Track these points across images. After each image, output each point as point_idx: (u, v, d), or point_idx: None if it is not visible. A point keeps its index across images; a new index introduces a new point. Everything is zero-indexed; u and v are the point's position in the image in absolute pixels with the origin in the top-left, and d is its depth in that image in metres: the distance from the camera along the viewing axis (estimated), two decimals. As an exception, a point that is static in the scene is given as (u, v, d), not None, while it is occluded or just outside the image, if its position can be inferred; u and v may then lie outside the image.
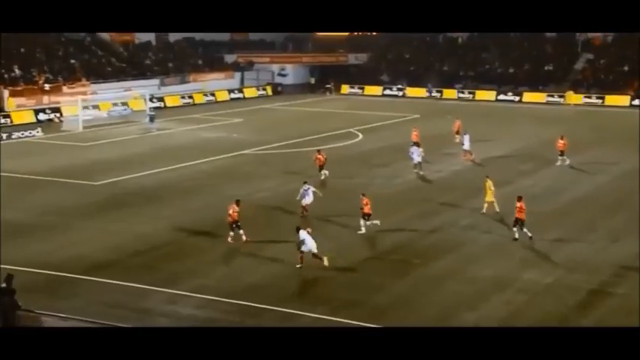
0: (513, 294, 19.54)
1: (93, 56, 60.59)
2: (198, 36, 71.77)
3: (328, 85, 67.53)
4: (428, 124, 45.59)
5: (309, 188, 26.21)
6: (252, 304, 18.57)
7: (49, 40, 59.17)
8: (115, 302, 18.75)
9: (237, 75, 68.38)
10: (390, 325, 16.83)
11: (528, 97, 62.53)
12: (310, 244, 20.89)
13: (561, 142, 35.54)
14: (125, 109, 50.70)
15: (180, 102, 59.40)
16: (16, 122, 47.52)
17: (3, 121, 47.27)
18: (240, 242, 23.10)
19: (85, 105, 49.34)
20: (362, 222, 24.29)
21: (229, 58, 70.45)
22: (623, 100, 59.45)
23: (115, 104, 52.44)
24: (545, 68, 66.49)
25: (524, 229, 23.37)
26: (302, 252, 20.92)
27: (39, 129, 44.69)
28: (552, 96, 61.75)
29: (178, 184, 31.60)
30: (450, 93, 65.21)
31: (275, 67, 72.13)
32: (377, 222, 24.47)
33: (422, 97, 64.67)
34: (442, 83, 66.84)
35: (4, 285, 16.52)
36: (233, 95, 64.10)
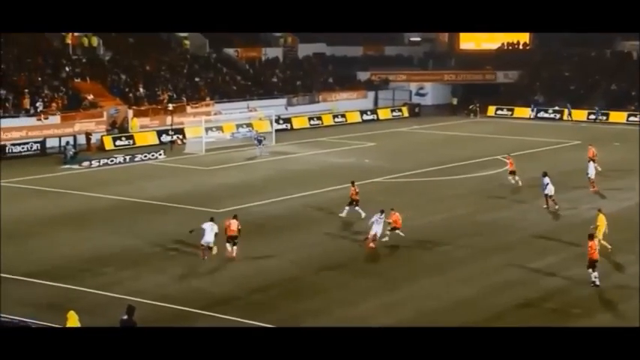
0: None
1: (218, 74, 63.04)
2: (329, 51, 73.05)
3: (472, 106, 66.71)
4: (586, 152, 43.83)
5: (381, 218, 27.02)
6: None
7: (174, 58, 62.25)
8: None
9: (371, 94, 68.93)
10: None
11: None
12: (208, 237, 25.22)
13: None
14: (249, 131, 52.23)
15: (307, 124, 60.45)
16: (139, 144, 50.13)
17: (126, 142, 50.07)
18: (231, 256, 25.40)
19: (209, 126, 51.36)
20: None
21: (362, 76, 71.13)
22: None
23: (239, 126, 54.27)
24: None
25: (595, 273, 22.63)
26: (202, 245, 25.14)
27: (162, 151, 46.91)
28: None
29: (305, 214, 32.16)
30: (619, 116, 62.64)
31: (413, 86, 72.14)
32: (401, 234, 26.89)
33: (584, 121, 62.54)
34: (609, 105, 64.33)
35: (125, 317, 17.39)
36: (365, 117, 64.58)
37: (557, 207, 32.31)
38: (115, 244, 27.64)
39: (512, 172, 36.63)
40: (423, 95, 72.24)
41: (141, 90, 55.88)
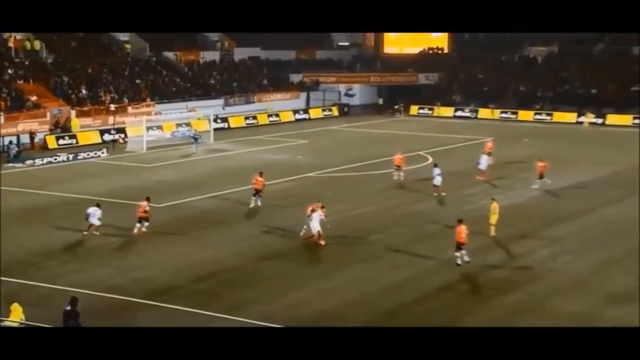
0: (597, 332, 18.89)
1: (158, 76, 62.12)
2: (263, 55, 72.83)
3: (397, 106, 67.41)
4: (502, 148, 44.83)
5: (317, 214, 26.16)
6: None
7: (115, 61, 61.05)
8: (176, 329, 18.96)
9: (303, 95, 68.97)
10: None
11: (613, 119, 60.97)
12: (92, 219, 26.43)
13: (541, 164, 35.04)
14: (189, 130, 51.60)
15: (244, 123, 60.16)
16: (81, 143, 49.04)
17: (69, 141, 48.87)
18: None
19: (150, 126, 50.56)
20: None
21: (295, 78, 71.14)
22: None
23: (178, 125, 53.58)
24: (632, 89, 64.74)
25: (459, 253, 23.21)
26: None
27: (104, 150, 45.98)
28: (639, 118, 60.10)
29: (240, 208, 31.92)
30: (527, 115, 64.19)
31: (342, 87, 72.52)
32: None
33: (496, 119, 63.90)
34: (518, 105, 65.95)
35: (68, 307, 16.94)
36: (298, 116, 64.58)
37: (444, 194, 33.29)
38: (58, 239, 26.97)
39: (398, 167, 36.84)
40: (351, 96, 72.66)
41: (83, 91, 54.69)
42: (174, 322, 19.32)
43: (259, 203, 31.46)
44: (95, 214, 27.04)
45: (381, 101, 71.11)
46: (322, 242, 25.91)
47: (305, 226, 26.43)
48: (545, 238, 27.20)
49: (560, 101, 65.44)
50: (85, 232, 27.03)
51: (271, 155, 46.10)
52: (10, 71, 53.04)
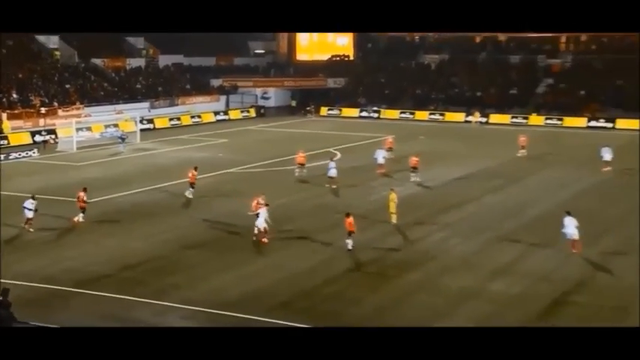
0: (482, 304, 19.58)
1: (87, 81, 60.29)
2: (186, 61, 71.79)
3: (308, 108, 67.63)
4: (401, 145, 45.68)
5: (263, 210, 24.96)
6: (239, 315, 18.43)
7: (45, 66, 58.82)
8: (106, 314, 18.52)
9: (223, 98, 68.33)
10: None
11: (495, 118, 63.11)
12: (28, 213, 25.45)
13: (414, 159, 35.79)
14: (116, 131, 50.32)
15: (168, 124, 59.11)
16: (13, 143, 47.03)
17: (1, 142, 46.77)
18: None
19: (79, 127, 48.98)
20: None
21: (215, 82, 70.39)
22: (581, 121, 60.29)
23: (107, 126, 52.15)
24: (510, 92, 67.21)
25: (349, 240, 23.68)
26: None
27: (35, 150, 44.25)
28: (516, 117, 62.40)
29: (166, 201, 31.41)
30: (422, 115, 65.62)
31: (258, 91, 72.24)
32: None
33: (396, 119, 65.07)
34: (415, 105, 67.36)
35: (0, 298, 16.25)
36: (219, 117, 63.96)
37: (329, 185, 33.68)
38: (-8, 234, 25.78)
39: (302, 165, 36.79)
40: (267, 98, 72.47)
41: (14, 95, 52.46)
42: (101, 309, 18.87)
43: (190, 196, 31.50)
44: (31, 206, 26.15)
45: (294, 103, 71.24)
46: (265, 240, 24.56)
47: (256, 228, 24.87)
48: (438, 223, 27.89)
49: (451, 102, 67.21)
50: (24, 226, 26.05)
51: (194, 153, 45.44)
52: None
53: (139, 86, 63.55)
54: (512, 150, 44.23)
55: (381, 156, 37.99)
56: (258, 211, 25.00)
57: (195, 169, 32.46)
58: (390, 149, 41.97)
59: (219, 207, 30.31)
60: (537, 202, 31.22)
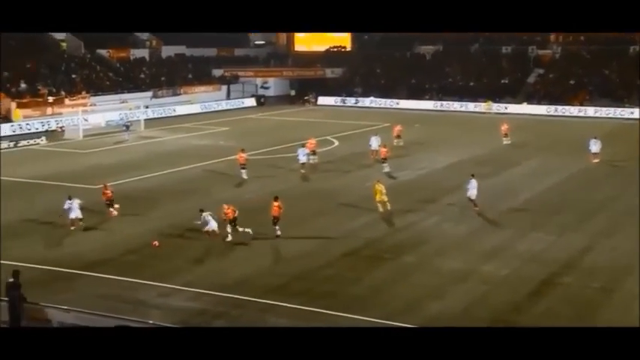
0: (474, 285, 19.61)
1: (92, 71, 60.11)
2: (188, 52, 71.50)
3: (307, 97, 67.43)
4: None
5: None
6: (238, 297, 18.45)
7: (52, 57, 58.58)
8: (110, 295, 18.53)
9: (224, 88, 68.13)
10: (362, 315, 16.85)
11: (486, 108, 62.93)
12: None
13: (384, 149, 35.14)
14: (121, 119, 50.06)
15: (171, 113, 58.98)
16: (22, 132, 46.97)
17: (10, 130, 46.70)
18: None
19: (85, 115, 48.89)
20: (229, 228, 22.83)
21: (217, 72, 70.18)
22: (571, 110, 60.19)
23: (112, 115, 51.94)
24: (502, 81, 67.02)
25: (276, 227, 23.34)
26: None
27: (43, 138, 44.16)
28: (506, 107, 62.26)
29: (171, 188, 31.35)
30: (417, 104, 65.45)
31: (258, 81, 71.96)
32: (249, 230, 23.01)
33: (391, 108, 64.91)
34: (410, 95, 67.16)
35: (11, 280, 16.29)
36: (220, 106, 63.82)
37: (303, 171, 33.59)
38: (4, 218, 25.68)
39: (313, 152, 36.37)
40: (266, 88, 72.20)
41: (22, 85, 52.31)
42: (105, 290, 18.88)
43: (245, 176, 31.97)
44: (74, 207, 24.16)
45: (293, 92, 71.06)
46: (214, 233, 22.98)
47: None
48: (431, 208, 27.86)
49: (445, 92, 67.05)
50: (73, 228, 24.14)
51: (197, 141, 45.36)
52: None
53: (142, 76, 63.35)
54: (496, 138, 44.25)
55: (375, 142, 37.83)
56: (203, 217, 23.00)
57: (243, 150, 32.87)
58: (398, 137, 41.90)
59: (220, 193, 30.25)
60: (525, 188, 31.20)
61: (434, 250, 22.55)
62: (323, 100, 68.30)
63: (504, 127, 43.84)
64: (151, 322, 15.33)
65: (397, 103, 65.94)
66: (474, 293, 18.98)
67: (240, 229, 23.09)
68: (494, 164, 36.87)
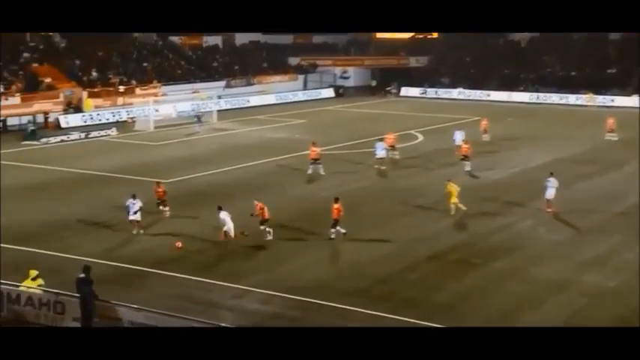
0: (574, 296, 19.03)
1: (164, 59, 61.83)
2: (263, 39, 72.41)
3: (389, 88, 67.16)
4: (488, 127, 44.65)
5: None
6: (314, 301, 18.60)
7: (124, 44, 60.69)
8: (181, 295, 19.04)
9: (301, 77, 68.70)
10: (448, 325, 16.63)
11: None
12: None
13: (465, 146, 34.25)
14: (193, 110, 51.29)
15: (245, 103, 60.00)
16: (92, 122, 48.97)
17: (81, 121, 48.81)
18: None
19: (157, 106, 50.44)
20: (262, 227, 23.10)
21: (293, 61, 70.78)
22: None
23: (184, 105, 53.32)
24: (608, 71, 64.59)
25: (338, 227, 23.12)
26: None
27: (114, 129, 45.86)
28: (612, 100, 60.01)
29: (245, 183, 31.91)
30: (510, 96, 64.06)
31: (337, 70, 72.16)
32: (270, 230, 23.17)
33: (481, 100, 63.77)
34: (502, 86, 65.75)
35: (82, 275, 16.97)
36: (296, 97, 64.39)
37: (383, 167, 33.76)
38: (72, 212, 26.92)
39: (392, 147, 36.28)
40: (346, 78, 72.34)
41: (94, 74, 54.48)
42: (178, 290, 19.42)
43: (322, 172, 32.30)
44: (135, 208, 23.86)
45: (374, 83, 70.89)
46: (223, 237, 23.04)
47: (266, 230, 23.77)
48: (525, 210, 27.21)
49: (542, 83, 65.32)
50: (134, 232, 23.97)
51: (271, 134, 45.99)
52: (25, 55, 52.83)
53: (215, 65, 64.70)
54: (599, 132, 42.70)
55: (459, 137, 37.21)
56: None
57: (315, 144, 33.16)
58: (485, 132, 41.46)
59: (294, 190, 30.59)
60: (633, 192, 29.96)
61: (528, 257, 22.04)
62: (406, 92, 67.90)
63: (610, 122, 42.38)
64: (222, 324, 15.66)
65: (488, 95, 64.86)
66: (575, 305, 18.43)
67: (262, 228, 23.27)
68: (597, 163, 35.64)
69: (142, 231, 24.14)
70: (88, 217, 26.37)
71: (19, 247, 22.62)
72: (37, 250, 22.36)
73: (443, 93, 66.92)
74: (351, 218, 25.52)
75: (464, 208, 26.17)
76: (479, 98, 64.52)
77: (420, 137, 43.96)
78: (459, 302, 18.62)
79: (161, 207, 26.11)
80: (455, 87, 67.05)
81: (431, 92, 67.07)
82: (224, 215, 22.95)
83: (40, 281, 17.48)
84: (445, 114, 54.22)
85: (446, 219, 25.84)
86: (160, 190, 26.37)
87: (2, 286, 17.28)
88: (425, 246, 23.12)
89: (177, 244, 22.89)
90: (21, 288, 17.32)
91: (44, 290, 17.18)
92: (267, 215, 23.45)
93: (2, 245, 22.66)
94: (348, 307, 18.08)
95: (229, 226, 22.82)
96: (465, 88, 66.34)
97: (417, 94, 67.25)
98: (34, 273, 17.55)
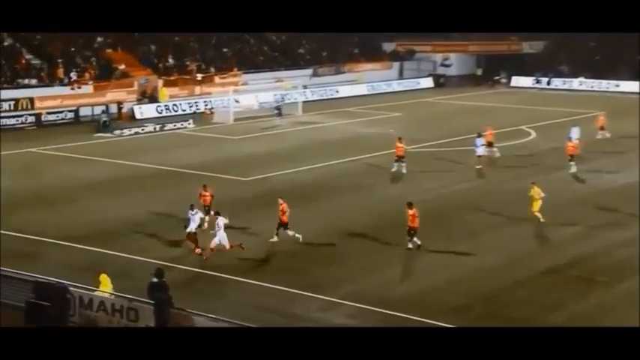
0: None
1: (245, 45, 62.77)
2: (355, 22, 72.55)
3: (497, 77, 66.01)
4: (612, 123, 43.23)
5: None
6: (405, 316, 18.56)
7: (202, 28, 62.09)
8: (263, 306, 19.38)
9: (396, 65, 68.47)
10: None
11: None
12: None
13: (571, 144, 33.32)
14: (276, 102, 51.98)
15: (333, 94, 60.27)
16: (168, 114, 50.37)
17: (156, 111, 50.26)
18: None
19: (237, 96, 51.37)
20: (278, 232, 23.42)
21: (388, 47, 70.57)
22: None
23: (266, 95, 54.09)
24: None
25: (415, 239, 22.66)
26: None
27: (190, 121, 47.05)
28: None
29: (331, 183, 32.13)
30: None
31: (438, 57, 71.51)
32: (299, 236, 23.62)
33: (608, 91, 61.75)
34: (635, 75, 63.28)
35: (155, 280, 17.50)
36: (390, 87, 64.26)
37: (479, 167, 33.75)
38: (147, 210, 27.81)
39: (490, 144, 35.84)
40: (447, 66, 71.57)
41: (170, 60, 55.94)
42: (259, 300, 19.76)
43: (404, 171, 32.81)
44: (195, 219, 23.40)
45: (479, 72, 69.85)
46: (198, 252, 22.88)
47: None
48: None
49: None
50: (198, 251, 22.97)
51: (363, 128, 46.09)
52: (99, 39, 54.67)
53: (301, 51, 65.24)
54: None
55: (575, 134, 36.23)
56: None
57: (400, 140, 33.41)
58: (602, 128, 40.29)
59: (385, 191, 30.55)
60: None
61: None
62: (517, 81, 66.58)
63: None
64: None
65: (617, 86, 62.73)
66: None
67: (290, 234, 23.58)
68: None
69: (198, 251, 22.85)
70: (163, 217, 27.13)
71: (88, 248, 23.57)
72: (107, 252, 23.22)
73: (561, 83, 65.20)
74: (446, 226, 25.34)
75: (542, 219, 25.46)
76: (605, 89, 62.49)
77: (533, 134, 43.03)
78: (580, 324, 18.13)
79: (207, 216, 24.76)
80: (575, 76, 65.17)
81: (547, 82, 65.45)
82: (221, 222, 22.47)
83: (110, 285, 18.21)
84: (564, 107, 52.84)
85: (563, 228, 25.20)
86: (207, 194, 25.75)
87: (73, 289, 18.05)
88: (538, 259, 22.66)
89: (196, 251, 22.81)
90: (96, 293, 18.05)
91: (117, 295, 17.84)
92: (286, 219, 23.57)
93: (72, 245, 23.71)
94: (447, 325, 17.88)
95: (221, 235, 22.32)
96: (587, 77, 64.35)
97: (530, 85, 65.79)
98: (106, 278, 18.25)
